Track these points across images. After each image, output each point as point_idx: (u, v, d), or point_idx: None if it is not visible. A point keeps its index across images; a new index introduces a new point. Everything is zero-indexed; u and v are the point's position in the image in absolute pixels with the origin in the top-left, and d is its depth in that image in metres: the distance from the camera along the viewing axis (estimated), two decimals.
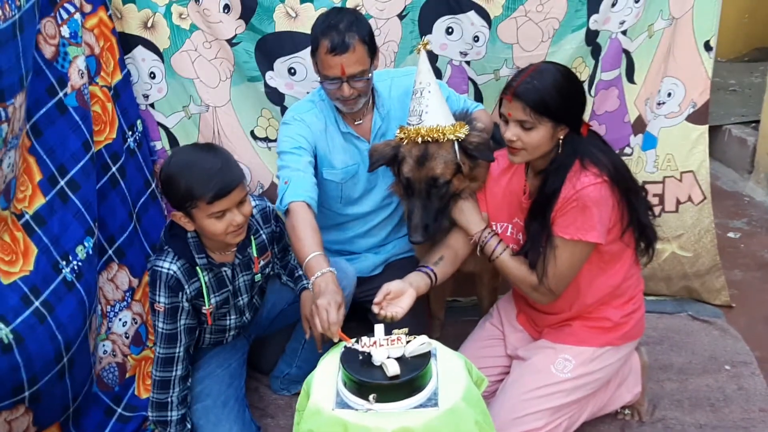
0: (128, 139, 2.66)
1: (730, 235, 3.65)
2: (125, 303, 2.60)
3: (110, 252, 2.51)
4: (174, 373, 2.19)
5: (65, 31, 2.29)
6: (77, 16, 2.34)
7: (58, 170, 2.22)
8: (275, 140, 2.84)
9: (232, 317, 2.35)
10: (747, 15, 5.63)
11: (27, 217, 2.08)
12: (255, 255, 2.30)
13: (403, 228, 2.67)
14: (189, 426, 2.26)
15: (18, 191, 2.06)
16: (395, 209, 2.63)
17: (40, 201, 2.14)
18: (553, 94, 1.96)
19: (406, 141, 2.17)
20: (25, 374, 1.93)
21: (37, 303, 2.00)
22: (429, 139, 2.12)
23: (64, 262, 2.15)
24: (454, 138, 2.14)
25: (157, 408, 2.21)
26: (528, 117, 1.96)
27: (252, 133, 2.88)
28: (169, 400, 2.19)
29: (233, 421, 2.31)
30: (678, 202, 2.95)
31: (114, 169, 2.54)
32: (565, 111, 1.99)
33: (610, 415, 2.39)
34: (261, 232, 2.32)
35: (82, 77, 2.35)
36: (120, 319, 2.57)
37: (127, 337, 2.60)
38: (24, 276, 1.99)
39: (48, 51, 2.20)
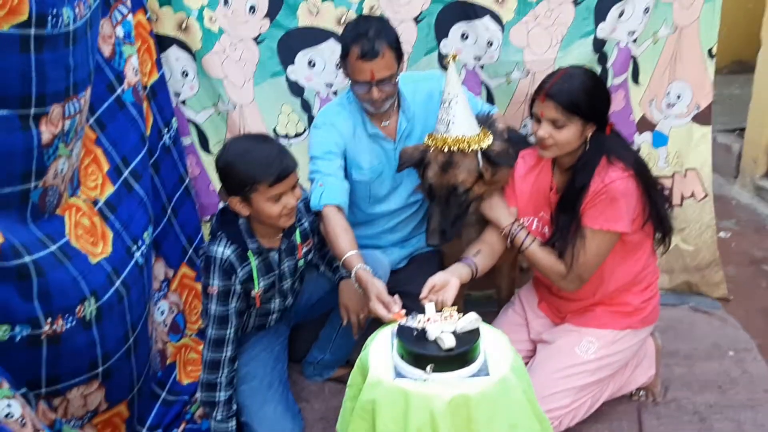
0: (164, 136, 2.76)
1: (721, 234, 3.84)
2: (162, 293, 2.70)
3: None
4: (224, 354, 2.28)
5: (120, 31, 2.41)
6: (130, 17, 2.46)
7: (122, 161, 2.34)
8: (294, 136, 3.01)
9: (277, 300, 2.45)
10: (726, 30, 5.85)
11: (101, 203, 2.19)
12: (299, 241, 2.42)
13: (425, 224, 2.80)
14: (234, 407, 2.35)
15: (89, 180, 2.17)
16: (420, 206, 2.75)
17: (110, 189, 2.26)
18: (582, 95, 2.12)
19: (432, 148, 2.31)
20: (100, 350, 2.02)
21: (118, 283, 2.10)
22: (455, 148, 2.25)
23: (134, 247, 2.26)
24: (479, 148, 2.27)
25: (206, 388, 2.30)
26: (560, 116, 2.12)
27: (274, 130, 3.00)
28: (219, 381, 2.29)
29: (277, 401, 2.42)
30: (682, 198, 3.14)
31: (149, 164, 2.63)
32: (592, 110, 2.15)
33: (626, 396, 2.54)
34: (304, 220, 2.44)
35: (136, 75, 2.47)
36: (158, 308, 2.67)
37: (165, 326, 2.71)
38: (105, 257, 2.10)
39: (106, 50, 2.31)
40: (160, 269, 2.67)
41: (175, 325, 2.75)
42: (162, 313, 2.68)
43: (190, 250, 2.85)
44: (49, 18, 1.71)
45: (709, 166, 3.10)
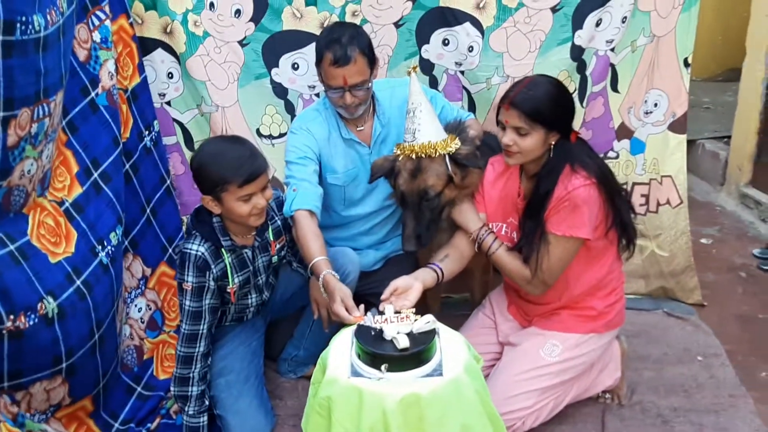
0: (144, 138, 2.82)
1: (703, 241, 3.89)
2: (140, 290, 2.76)
3: (126, 243, 2.67)
4: (197, 350, 2.35)
5: (96, 36, 2.47)
6: (107, 22, 2.52)
7: (92, 163, 2.39)
8: (278, 137, 3.08)
9: (253, 296, 2.53)
10: (720, 37, 5.90)
11: (67, 204, 2.24)
12: (271, 239, 2.49)
13: (401, 227, 2.84)
14: (207, 403, 2.41)
15: (57, 181, 2.22)
16: (395, 210, 2.80)
17: (78, 190, 2.31)
18: (546, 104, 2.17)
19: (401, 156, 2.36)
20: (64, 347, 2.07)
21: (78, 282, 2.15)
22: (422, 155, 2.31)
23: (99, 247, 2.31)
24: (445, 153, 2.32)
25: (179, 383, 2.37)
26: (523, 124, 2.17)
27: (257, 131, 3.07)
28: (191, 375, 2.35)
29: (253, 395, 2.48)
30: (658, 204, 3.18)
31: (127, 166, 2.69)
32: (556, 119, 2.20)
33: (591, 398, 2.58)
34: (276, 218, 2.51)
35: (111, 79, 2.52)
36: (136, 305, 2.73)
37: (142, 322, 2.77)
38: (67, 257, 2.15)
39: (81, 54, 2.37)
40: (137, 268, 2.73)
41: (153, 322, 2.81)
42: (139, 310, 2.74)
43: (170, 250, 2.91)
44: (18, 25, 1.76)
45: (684, 174, 3.13)
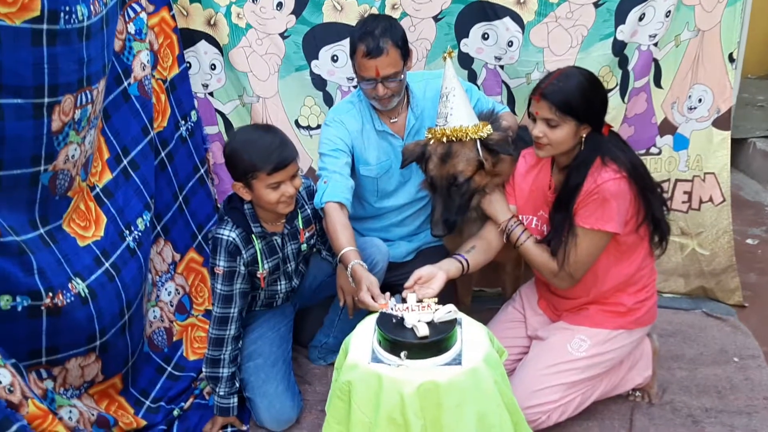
0: (181, 128, 2.91)
1: (749, 241, 3.78)
2: (170, 275, 2.86)
3: (158, 228, 2.77)
4: (228, 332, 2.42)
5: (131, 28, 2.56)
6: (143, 15, 2.61)
7: (122, 150, 2.49)
8: (316, 128, 3.12)
9: (282, 282, 2.59)
10: None
11: (98, 189, 2.35)
12: (301, 227, 2.54)
13: None
14: (237, 385, 2.48)
15: (91, 167, 2.32)
16: (427, 202, 2.81)
17: (108, 176, 2.41)
18: (577, 96, 2.15)
19: (432, 140, 2.38)
20: (98, 325, 2.18)
21: (107, 264, 2.25)
22: (453, 138, 2.32)
23: (127, 232, 2.41)
24: (476, 137, 2.33)
25: (210, 364, 2.44)
26: (553, 116, 2.16)
27: (296, 122, 3.12)
28: (222, 357, 2.43)
29: (280, 380, 2.54)
30: (701, 201, 3.11)
31: (163, 154, 2.79)
32: (587, 111, 2.18)
33: (621, 395, 2.56)
34: (306, 207, 2.56)
35: (144, 69, 2.61)
36: (166, 289, 2.83)
37: (171, 306, 2.87)
38: (96, 240, 2.25)
39: (116, 45, 2.46)
40: (168, 253, 2.83)
41: (181, 306, 2.91)
42: (169, 293, 2.84)
43: (200, 237, 3.00)
44: (62, 14, 1.85)
45: (727, 171, 3.06)
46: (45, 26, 1.83)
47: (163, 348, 2.77)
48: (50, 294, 1.96)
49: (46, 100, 1.91)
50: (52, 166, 2.02)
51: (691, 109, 3.03)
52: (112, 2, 2.19)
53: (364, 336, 1.99)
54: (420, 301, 1.99)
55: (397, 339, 1.86)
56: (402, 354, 1.84)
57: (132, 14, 2.53)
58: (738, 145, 3.08)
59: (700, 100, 3.02)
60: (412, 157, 2.47)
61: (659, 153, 3.11)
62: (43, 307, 1.95)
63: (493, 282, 3.12)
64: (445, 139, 2.32)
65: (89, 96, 2.09)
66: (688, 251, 3.17)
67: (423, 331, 1.86)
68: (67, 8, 1.88)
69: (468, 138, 2.31)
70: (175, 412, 2.55)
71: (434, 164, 2.37)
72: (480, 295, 3.21)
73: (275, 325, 2.68)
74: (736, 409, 2.50)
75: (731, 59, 2.92)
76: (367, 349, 1.92)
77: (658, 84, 3.02)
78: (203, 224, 3.04)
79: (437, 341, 1.86)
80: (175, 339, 2.85)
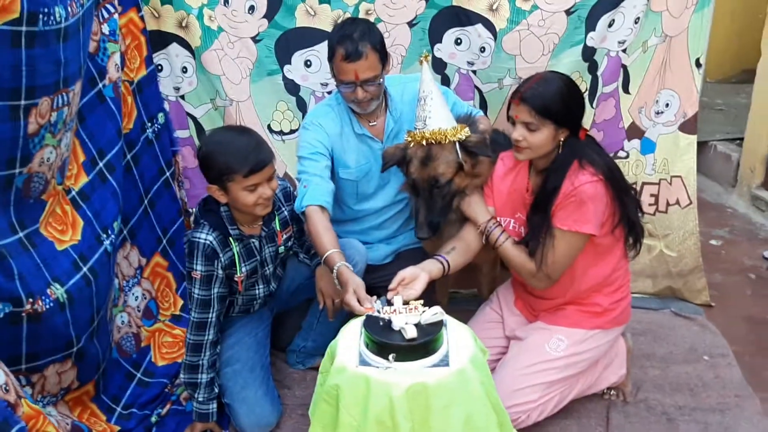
0: (147, 130, 2.87)
1: (713, 242, 3.90)
2: (136, 279, 2.82)
3: (125, 232, 2.73)
4: (206, 338, 2.39)
5: (105, 29, 2.52)
6: (116, 15, 2.57)
7: (98, 153, 2.45)
8: (288, 133, 3.12)
9: (260, 286, 2.57)
10: (736, 38, 5.88)
11: (74, 193, 2.30)
12: (278, 229, 2.53)
13: (412, 221, 2.88)
14: (216, 390, 2.46)
15: (66, 170, 2.28)
16: (406, 204, 2.84)
17: (84, 179, 2.37)
18: (556, 100, 2.20)
19: (412, 144, 2.40)
20: (73, 331, 2.14)
21: (85, 269, 2.21)
22: (433, 141, 2.35)
23: (104, 235, 2.37)
24: (455, 140, 2.36)
25: (189, 370, 2.41)
26: (533, 119, 2.19)
27: (269, 127, 3.11)
28: (200, 362, 2.40)
29: (259, 385, 2.53)
30: (667, 204, 3.19)
31: (129, 157, 2.74)
32: (565, 115, 2.22)
33: (596, 394, 2.61)
34: (283, 208, 2.56)
35: (118, 71, 2.57)
36: (133, 294, 2.80)
37: (138, 311, 2.83)
38: (73, 244, 2.21)
39: (91, 46, 2.41)
40: (134, 257, 2.79)
41: (148, 311, 2.88)
42: (136, 298, 2.80)
43: (164, 241, 2.97)
44: (41, 16, 1.81)
45: (693, 174, 3.14)
46: (24, 28, 1.79)
47: (131, 353, 2.74)
48: (30, 300, 1.93)
49: (22, 102, 1.87)
50: (27, 168, 1.98)
51: (658, 113, 3.11)
52: (89, 3, 2.16)
53: (350, 339, 1.99)
54: (406, 303, 2.00)
55: (385, 341, 1.86)
56: (390, 356, 1.85)
57: (106, 15, 2.49)
58: (699, 148, 3.16)
59: (667, 105, 3.09)
60: (393, 161, 2.48)
61: (627, 157, 3.17)
62: (23, 314, 1.92)
63: (469, 283, 3.15)
64: (424, 142, 2.35)
65: (66, 98, 2.06)
66: (656, 253, 3.24)
67: (411, 333, 1.86)
68: (46, 10, 1.84)
69: (447, 141, 2.33)
70: (153, 419, 2.52)
71: (415, 167, 2.39)
72: (455, 296, 3.23)
73: (252, 329, 2.66)
74: (708, 407, 2.57)
75: (698, 64, 3.00)
76: (354, 352, 1.92)
77: (626, 89, 3.08)
78: (168, 228, 3.00)
79: (425, 343, 1.86)
80: (143, 344, 2.82)
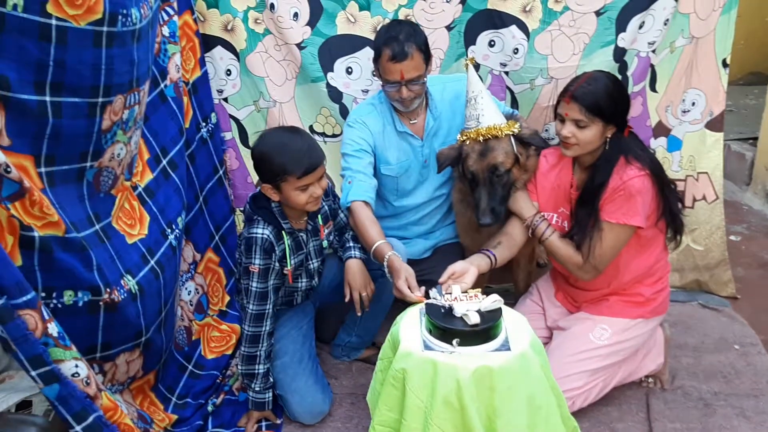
0: (201, 130, 2.96)
1: (732, 238, 3.98)
2: (190, 274, 2.90)
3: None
4: (264, 328, 2.48)
5: (166, 30, 2.61)
6: (175, 18, 2.65)
7: (161, 151, 2.54)
8: (331, 136, 3.19)
9: (303, 280, 2.64)
10: (743, 41, 5.98)
11: (140, 189, 2.38)
12: (321, 223, 2.63)
13: (450, 216, 2.98)
14: (271, 380, 2.55)
15: (134, 167, 2.36)
16: (444, 200, 2.93)
17: (149, 176, 2.45)
18: (605, 98, 2.30)
19: (468, 141, 2.50)
20: (143, 321, 2.22)
21: (152, 262, 2.29)
22: (489, 136, 2.46)
23: (169, 230, 2.45)
24: (510, 133, 2.47)
25: (247, 361, 2.49)
26: (583, 117, 2.29)
27: (311, 127, 3.19)
28: (258, 353, 2.48)
29: (308, 375, 2.61)
30: (694, 200, 3.29)
31: (185, 155, 2.82)
32: (613, 113, 2.33)
33: (635, 382, 2.70)
34: (323, 204, 2.64)
35: (178, 71, 2.66)
36: (186, 288, 2.87)
37: (191, 305, 2.91)
38: (141, 238, 2.29)
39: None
40: (188, 252, 2.87)
41: (200, 305, 2.96)
42: (189, 293, 2.88)
43: (217, 237, 3.05)
44: (120, 17, 1.90)
45: (720, 171, 3.25)
46: (105, 28, 1.87)
47: (183, 347, 2.81)
48: (108, 290, 2.00)
49: (100, 99, 1.95)
50: (98, 162, 2.06)
51: (684, 112, 3.21)
52: (156, 5, 2.24)
53: (411, 326, 2.08)
54: (464, 292, 2.09)
55: (450, 327, 1.96)
56: (454, 341, 1.94)
57: (166, 17, 2.58)
58: None
59: (693, 104, 3.19)
60: (448, 161, 2.58)
61: (654, 154, 3.27)
62: (101, 303, 1.99)
63: (502, 278, 3.23)
64: (480, 138, 2.44)
65: (137, 96, 2.14)
66: (683, 247, 3.33)
67: (474, 319, 1.96)
68: (125, 11, 1.93)
69: (503, 134, 2.43)
70: (209, 408, 2.61)
71: (474, 160, 2.49)
72: (487, 291, 3.29)
73: (298, 323, 2.74)
74: (743, 393, 2.66)
75: (725, 65, 3.11)
76: (417, 338, 2.01)
77: (653, 88, 3.18)
78: (220, 225, 3.08)
79: (487, 329, 1.96)
80: (194, 338, 2.90)
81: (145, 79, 2.20)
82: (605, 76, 2.36)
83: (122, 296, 2.07)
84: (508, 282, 3.22)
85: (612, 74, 2.43)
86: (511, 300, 2.97)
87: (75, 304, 1.93)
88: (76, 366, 1.83)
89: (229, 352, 2.90)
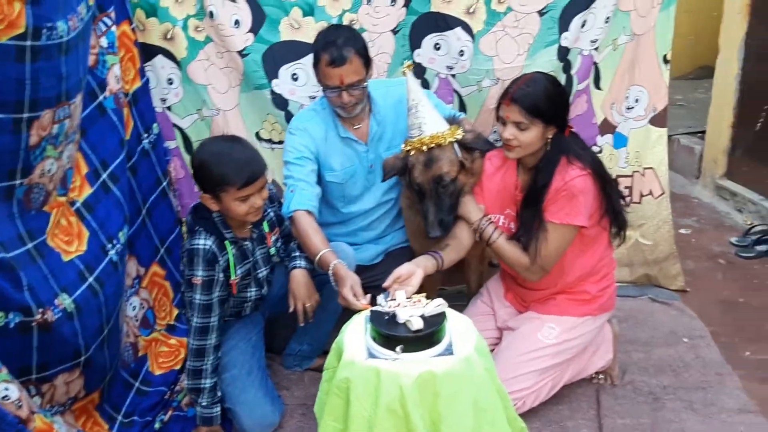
0: (143, 141, 2.90)
1: (682, 231, 4.05)
2: (134, 289, 2.84)
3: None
4: (209, 342, 2.43)
5: (104, 41, 2.55)
6: (113, 28, 2.60)
7: (101, 164, 2.48)
8: (278, 143, 3.14)
9: (252, 290, 2.61)
10: (692, 36, 6.10)
11: (78, 204, 2.33)
12: (267, 231, 2.59)
13: (400, 221, 2.96)
14: (219, 394, 2.50)
15: (70, 182, 2.31)
16: (393, 205, 2.92)
17: (88, 191, 2.39)
18: (544, 100, 2.31)
19: (412, 151, 2.48)
20: (82, 340, 2.17)
21: (90, 279, 2.24)
22: (432, 145, 2.44)
23: (110, 245, 2.40)
24: (454, 140, 2.46)
25: (193, 376, 2.45)
26: (523, 119, 2.30)
27: (257, 134, 3.15)
28: (204, 367, 2.43)
29: (257, 387, 2.57)
30: (641, 195, 3.33)
31: (126, 167, 2.77)
32: (553, 114, 2.34)
33: (585, 379, 2.72)
34: (269, 210, 2.61)
35: (118, 83, 2.61)
36: (131, 304, 2.82)
37: (136, 320, 2.85)
38: (79, 255, 2.24)
39: (90, 59, 2.45)
40: (132, 267, 2.81)
41: (146, 320, 2.90)
42: (134, 308, 2.83)
43: (162, 250, 3.00)
44: (44, 30, 1.85)
45: (665, 166, 3.29)
46: (29, 42, 1.83)
47: (130, 363, 2.76)
48: (41, 310, 1.95)
49: (25, 115, 1.90)
50: (28, 180, 2.01)
51: (629, 108, 3.24)
52: (87, 17, 2.19)
53: (356, 334, 2.06)
54: (408, 297, 2.08)
55: (392, 334, 1.93)
56: (397, 348, 1.92)
57: (104, 28, 2.52)
58: None
59: (636, 100, 3.23)
60: (394, 171, 2.57)
61: (600, 151, 3.29)
62: (34, 324, 1.94)
63: (456, 280, 3.23)
64: (424, 148, 2.43)
65: (67, 111, 2.09)
66: (632, 242, 3.37)
67: (417, 324, 1.94)
68: (50, 24, 1.88)
69: (446, 142, 2.42)
70: (157, 425, 2.56)
71: (419, 171, 2.47)
72: (441, 293, 3.28)
73: (246, 334, 2.70)
74: (691, 385, 2.70)
75: (666, 60, 3.15)
76: (361, 347, 1.99)
77: (597, 86, 3.21)
78: (165, 237, 3.03)
79: (430, 334, 1.94)
80: (140, 354, 2.85)
81: (77, 91, 2.15)
82: (544, 78, 2.37)
83: (56, 316, 2.02)
84: (461, 284, 3.21)
85: (551, 75, 2.44)
86: (465, 301, 2.98)
87: (6, 325, 1.88)
88: (6, 389, 1.79)
89: (178, 366, 2.85)
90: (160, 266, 3.01)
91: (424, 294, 2.09)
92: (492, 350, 2.60)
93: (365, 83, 2.60)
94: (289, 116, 3.08)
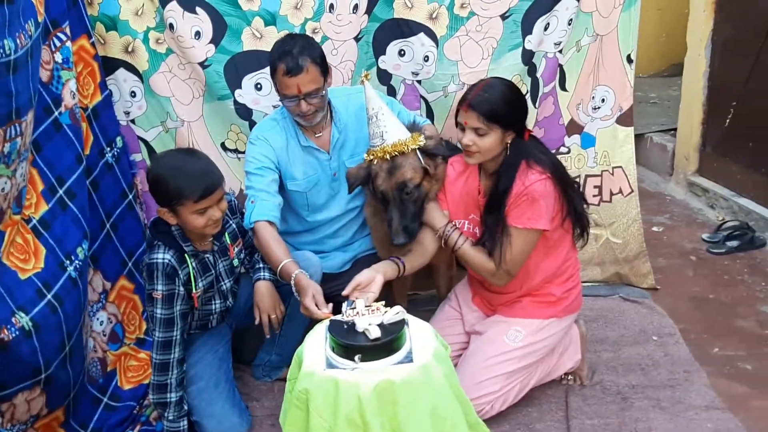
0: (106, 155, 2.87)
1: (654, 228, 4.07)
2: (101, 304, 2.82)
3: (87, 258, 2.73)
4: (172, 356, 2.42)
5: (58, 57, 2.52)
6: (68, 43, 2.58)
7: (57, 181, 2.45)
8: (244, 152, 3.08)
9: (217, 302, 2.60)
10: (664, 34, 6.13)
11: (34, 221, 2.30)
12: (229, 242, 2.58)
13: (367, 228, 2.95)
14: (185, 408, 2.49)
15: (25, 199, 2.29)
16: (359, 212, 2.91)
17: (44, 208, 2.36)
18: (502, 105, 2.31)
19: (375, 160, 2.48)
20: (41, 358, 2.14)
21: (49, 296, 2.22)
22: (395, 153, 2.44)
23: (68, 262, 2.37)
24: (416, 147, 2.46)
25: (157, 390, 2.43)
26: (481, 124, 2.30)
27: (222, 144, 3.14)
28: (169, 381, 2.42)
29: (224, 399, 2.56)
30: (611, 194, 3.34)
31: (87, 182, 2.74)
32: (511, 119, 2.35)
33: (555, 381, 2.72)
34: (230, 222, 2.60)
35: (74, 98, 2.58)
36: (97, 319, 2.79)
37: (104, 335, 2.83)
38: (37, 272, 2.21)
39: (44, 75, 2.42)
40: (98, 282, 2.79)
41: (114, 335, 2.88)
42: (101, 323, 2.80)
43: (130, 263, 2.97)
44: None
45: (633, 164, 3.30)
46: None
47: (98, 379, 2.73)
48: None
49: None
50: None
51: (595, 109, 3.26)
52: (36, 34, 2.17)
53: (316, 345, 2.05)
54: (368, 305, 2.08)
55: (350, 343, 1.93)
56: (356, 357, 1.92)
57: (58, 43, 2.50)
58: (636, 140, 3.33)
59: (603, 100, 3.24)
60: (358, 181, 2.56)
61: (568, 152, 3.31)
62: None
63: (427, 285, 3.24)
64: (387, 156, 2.43)
65: (18, 129, 2.07)
66: (603, 241, 3.39)
67: (375, 333, 1.94)
68: None
69: (409, 150, 2.42)
70: None
71: (382, 179, 2.46)
72: (414, 298, 3.31)
73: (213, 346, 2.69)
74: (660, 383, 2.71)
75: (629, 60, 3.16)
76: (320, 357, 1.99)
77: (563, 87, 3.22)
78: (133, 251, 3.00)
79: (389, 342, 1.94)
80: (109, 369, 2.82)
81: (27, 109, 2.13)
82: (501, 83, 2.38)
83: (13, 334, 2.00)
84: (432, 288, 3.21)
85: (508, 80, 2.45)
86: (436, 305, 2.97)
87: None
88: None
89: (147, 381, 2.80)
90: (128, 280, 2.98)
91: (382, 302, 2.09)
92: (460, 355, 2.62)
93: (323, 91, 2.60)
94: (253, 126, 3.05)
